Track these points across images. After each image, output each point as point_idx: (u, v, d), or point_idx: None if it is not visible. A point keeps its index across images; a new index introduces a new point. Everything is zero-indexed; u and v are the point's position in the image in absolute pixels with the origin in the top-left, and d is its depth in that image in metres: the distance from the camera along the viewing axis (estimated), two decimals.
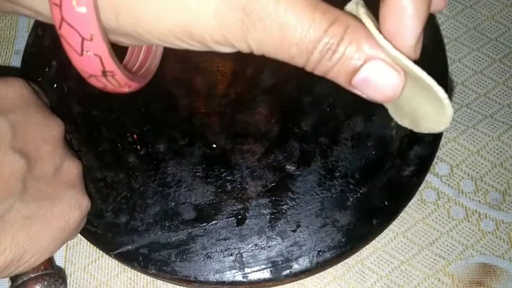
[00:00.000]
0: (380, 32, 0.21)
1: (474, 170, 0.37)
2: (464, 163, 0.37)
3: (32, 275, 0.29)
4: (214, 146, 0.36)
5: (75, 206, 0.29)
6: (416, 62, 0.38)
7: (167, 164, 0.35)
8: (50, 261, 0.30)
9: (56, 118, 0.31)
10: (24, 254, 0.27)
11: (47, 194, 0.28)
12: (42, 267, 0.30)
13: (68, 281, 0.35)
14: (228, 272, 0.33)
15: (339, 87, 0.23)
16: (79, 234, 0.34)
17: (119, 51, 0.24)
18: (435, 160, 0.36)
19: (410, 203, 0.35)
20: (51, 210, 0.28)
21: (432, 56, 0.37)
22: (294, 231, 0.34)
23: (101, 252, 0.34)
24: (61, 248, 0.36)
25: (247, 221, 0.34)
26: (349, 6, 0.23)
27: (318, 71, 0.22)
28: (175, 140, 0.36)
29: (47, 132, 0.30)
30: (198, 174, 0.35)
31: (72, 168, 0.30)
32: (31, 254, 0.27)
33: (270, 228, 0.34)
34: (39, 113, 0.30)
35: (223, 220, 0.34)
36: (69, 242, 0.36)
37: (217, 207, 0.34)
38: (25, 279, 0.29)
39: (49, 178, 0.29)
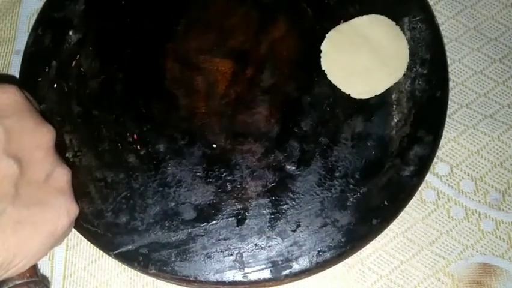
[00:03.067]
0: None
1: (474, 170, 0.37)
2: (464, 163, 0.37)
3: (18, 282, 0.29)
4: (214, 146, 0.36)
5: (64, 212, 0.30)
6: (415, 62, 0.38)
7: (167, 164, 0.35)
8: (34, 268, 0.31)
9: (48, 125, 0.31)
10: (14, 258, 0.27)
11: (38, 199, 0.28)
12: (28, 275, 0.30)
13: (68, 281, 0.35)
14: (228, 272, 0.33)
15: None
16: (79, 234, 0.34)
17: None
18: (435, 160, 0.36)
19: (410, 203, 0.35)
20: (41, 216, 0.28)
21: (432, 56, 0.37)
22: (294, 231, 0.34)
23: (101, 252, 0.34)
24: (61, 248, 0.36)
25: (247, 221, 0.34)
26: None
27: None
28: (175, 140, 0.36)
29: (40, 138, 0.30)
30: (198, 174, 0.35)
31: (62, 175, 0.31)
32: (20, 259, 0.28)
33: (270, 228, 0.34)
34: (32, 120, 0.30)
35: (223, 220, 0.34)
36: (69, 242, 0.36)
37: (217, 207, 0.34)
38: (11, 285, 0.29)
39: (40, 184, 0.29)
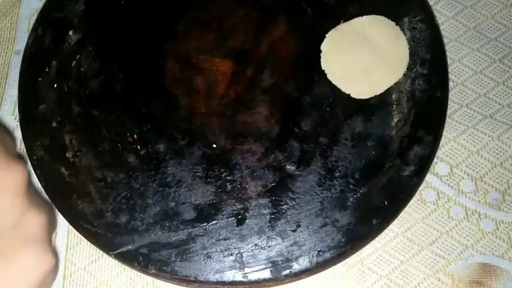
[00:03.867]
0: None
1: (474, 170, 0.37)
2: (464, 163, 0.37)
3: None
4: (214, 146, 0.36)
5: (34, 264, 0.26)
6: (415, 62, 0.38)
7: (167, 164, 0.35)
8: None
9: (17, 164, 0.28)
10: None
11: (3, 251, 0.25)
12: None
13: (68, 281, 0.35)
14: (228, 272, 0.33)
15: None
16: (79, 234, 0.34)
17: None
18: (435, 160, 0.36)
19: (410, 203, 0.35)
20: (7, 270, 0.25)
21: (432, 56, 0.37)
22: (294, 231, 0.34)
23: (101, 252, 0.34)
24: (61, 248, 0.36)
25: (247, 221, 0.34)
26: None
27: None
28: (175, 140, 0.36)
29: (5, 180, 0.27)
30: (198, 174, 0.35)
31: (34, 221, 0.27)
32: None
33: (270, 228, 0.34)
34: None
35: (223, 220, 0.34)
36: (69, 242, 0.36)
37: (217, 207, 0.34)
38: None
39: (6, 233, 0.26)
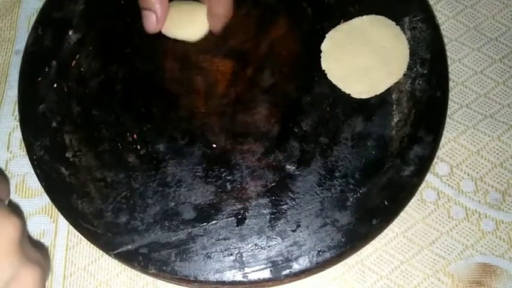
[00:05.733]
0: None
1: (474, 170, 0.37)
2: (464, 163, 0.37)
3: None
4: (214, 146, 0.36)
5: None
6: (415, 62, 0.38)
7: (167, 164, 0.35)
8: None
9: (11, 217, 0.26)
10: None
11: None
12: None
13: (68, 281, 0.35)
14: (228, 272, 0.33)
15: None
16: (79, 234, 0.34)
17: None
18: (435, 160, 0.36)
19: (410, 203, 0.35)
20: None
21: (432, 56, 0.37)
22: (294, 231, 0.34)
23: (101, 252, 0.34)
24: (61, 248, 0.36)
25: (247, 220, 0.34)
26: None
27: None
28: (175, 140, 0.36)
29: None
30: (198, 174, 0.35)
31: (28, 277, 0.26)
32: None
33: (270, 228, 0.34)
34: None
35: (223, 220, 0.34)
36: (69, 242, 0.36)
37: (217, 207, 0.34)
38: None
39: None
